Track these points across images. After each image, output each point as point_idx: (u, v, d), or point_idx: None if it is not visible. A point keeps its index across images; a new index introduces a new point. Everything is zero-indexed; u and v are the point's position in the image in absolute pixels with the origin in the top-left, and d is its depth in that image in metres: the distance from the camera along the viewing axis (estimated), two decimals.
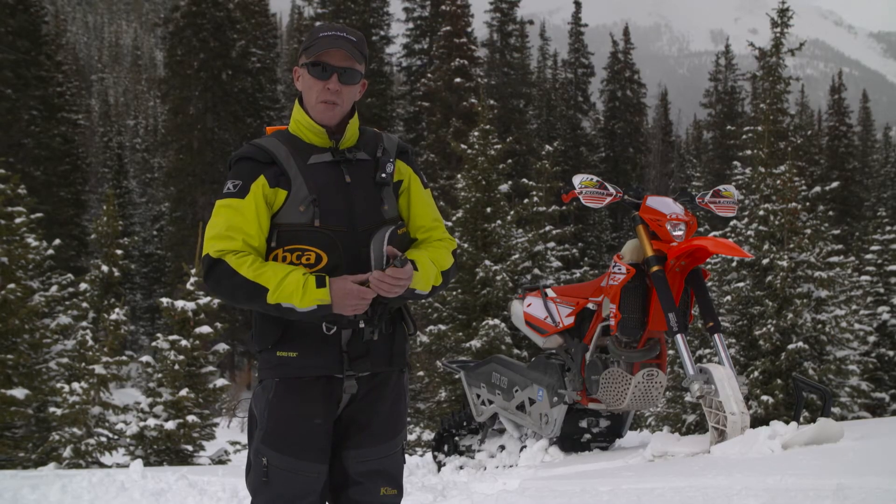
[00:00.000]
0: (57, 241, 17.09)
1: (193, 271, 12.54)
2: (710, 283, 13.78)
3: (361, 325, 2.59)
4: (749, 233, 13.28)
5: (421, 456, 10.56)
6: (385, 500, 2.70)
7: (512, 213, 15.17)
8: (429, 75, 35.76)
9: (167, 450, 11.64)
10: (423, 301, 13.57)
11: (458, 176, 15.57)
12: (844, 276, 16.55)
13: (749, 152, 14.24)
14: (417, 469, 7.11)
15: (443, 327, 14.09)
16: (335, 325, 2.56)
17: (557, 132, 43.30)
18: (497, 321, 13.07)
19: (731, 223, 13.94)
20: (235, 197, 2.57)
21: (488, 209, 14.78)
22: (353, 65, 2.62)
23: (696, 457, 4.82)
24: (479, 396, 6.79)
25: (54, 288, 16.07)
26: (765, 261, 12.74)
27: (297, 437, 2.57)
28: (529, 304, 6.43)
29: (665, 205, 5.45)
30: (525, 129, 39.98)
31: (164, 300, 12.55)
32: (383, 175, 2.66)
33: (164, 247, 37.80)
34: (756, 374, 12.14)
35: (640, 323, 5.52)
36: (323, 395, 2.60)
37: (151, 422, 11.59)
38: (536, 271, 15.05)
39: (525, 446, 6.36)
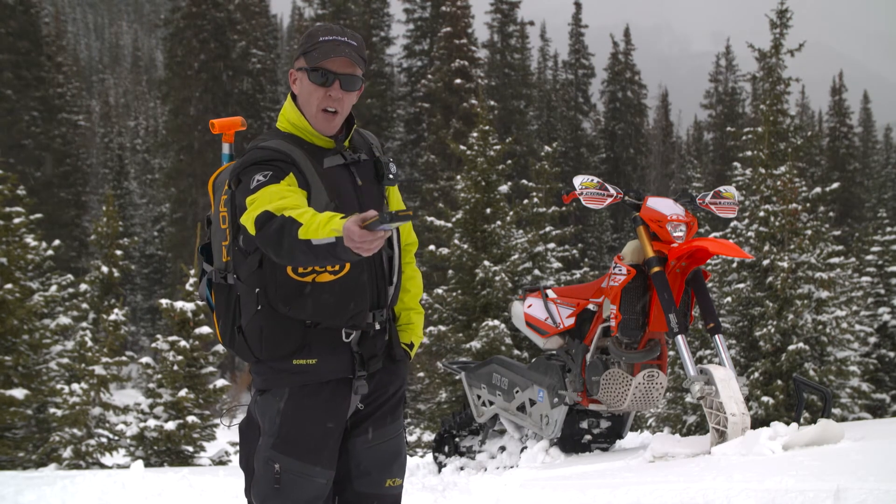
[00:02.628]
0: (57, 242, 17.08)
1: (193, 272, 12.51)
2: (710, 284, 13.78)
3: (377, 326, 2.64)
4: (749, 234, 13.28)
5: (421, 457, 10.55)
6: (389, 492, 2.73)
7: (512, 213, 15.15)
8: (429, 76, 35.75)
9: (167, 451, 11.64)
10: (422, 301, 13.58)
11: (458, 177, 15.55)
12: (845, 277, 16.57)
13: (749, 153, 14.24)
14: (418, 470, 7.09)
15: (443, 328, 14.07)
16: (354, 330, 2.60)
17: (558, 133, 43.30)
18: (497, 322, 13.04)
19: (732, 224, 13.94)
20: (270, 183, 2.41)
21: (488, 210, 14.76)
22: (355, 70, 2.61)
23: (697, 458, 4.81)
24: (479, 397, 6.78)
25: (54, 288, 16.04)
26: (765, 262, 12.74)
27: (311, 442, 2.58)
28: (530, 305, 6.42)
29: (666, 206, 5.45)
30: (525, 130, 40.00)
31: (164, 301, 12.52)
32: (391, 176, 2.68)
33: (165, 248, 37.85)
34: (756, 374, 12.14)
35: (640, 324, 5.52)
36: (335, 398, 2.61)
37: (151, 422, 11.58)
38: (536, 272, 15.02)
39: (526, 447, 6.35)
